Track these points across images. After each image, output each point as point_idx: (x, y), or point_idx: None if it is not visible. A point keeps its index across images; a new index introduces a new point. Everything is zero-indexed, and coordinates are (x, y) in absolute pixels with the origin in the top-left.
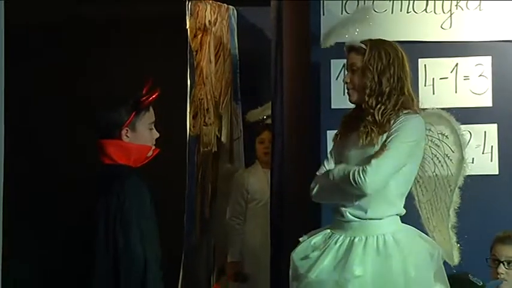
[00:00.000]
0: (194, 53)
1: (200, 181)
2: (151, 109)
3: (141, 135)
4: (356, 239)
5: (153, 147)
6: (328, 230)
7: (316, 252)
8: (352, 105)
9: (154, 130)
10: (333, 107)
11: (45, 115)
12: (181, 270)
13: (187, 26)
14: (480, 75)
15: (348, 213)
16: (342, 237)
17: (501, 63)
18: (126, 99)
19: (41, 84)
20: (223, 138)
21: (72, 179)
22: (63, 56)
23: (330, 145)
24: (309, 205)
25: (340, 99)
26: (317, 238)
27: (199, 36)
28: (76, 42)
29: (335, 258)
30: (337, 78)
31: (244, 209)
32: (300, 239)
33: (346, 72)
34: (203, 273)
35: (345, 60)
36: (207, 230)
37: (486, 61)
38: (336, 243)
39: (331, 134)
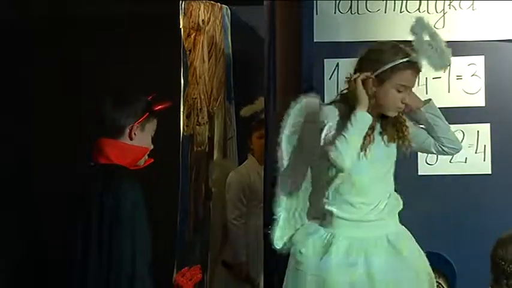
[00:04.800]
0: (187, 53)
1: (193, 180)
2: (156, 119)
3: (145, 138)
4: (365, 238)
5: (147, 157)
6: (332, 231)
7: (323, 250)
8: None
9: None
10: None
11: (38, 114)
12: (175, 270)
13: (181, 26)
14: (473, 75)
15: (352, 211)
16: (347, 236)
17: (494, 62)
18: (140, 99)
19: (39, 84)
20: (217, 138)
21: (64, 178)
22: (55, 56)
23: None
24: None
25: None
26: (320, 238)
27: (192, 36)
28: (67, 42)
29: (345, 257)
30: (330, 78)
31: (246, 207)
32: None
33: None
34: None
35: (339, 60)
36: (200, 228)
37: (479, 61)
38: (342, 243)
39: None
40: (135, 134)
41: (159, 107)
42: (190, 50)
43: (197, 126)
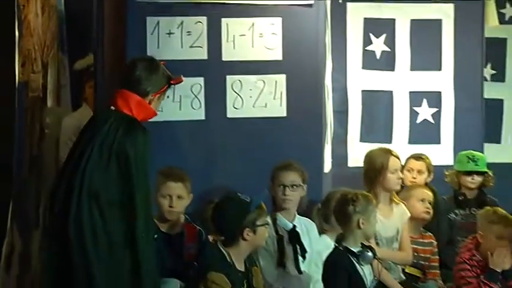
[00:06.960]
0: (22, 7)
1: (29, 123)
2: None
3: (157, 105)
4: None
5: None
6: None
7: None
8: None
9: None
10: None
11: None
12: (11, 202)
13: None
14: (272, 33)
15: None
16: None
17: (289, 23)
18: (166, 73)
19: None
20: (50, 85)
21: None
22: None
23: None
24: None
25: (153, 52)
26: None
27: None
28: None
29: None
30: (152, 34)
31: None
32: None
33: None
34: (32, 204)
35: (159, 18)
36: (35, 165)
37: (277, 21)
38: None
39: None
40: (153, 100)
41: (174, 81)
42: (24, 5)
43: (32, 74)
